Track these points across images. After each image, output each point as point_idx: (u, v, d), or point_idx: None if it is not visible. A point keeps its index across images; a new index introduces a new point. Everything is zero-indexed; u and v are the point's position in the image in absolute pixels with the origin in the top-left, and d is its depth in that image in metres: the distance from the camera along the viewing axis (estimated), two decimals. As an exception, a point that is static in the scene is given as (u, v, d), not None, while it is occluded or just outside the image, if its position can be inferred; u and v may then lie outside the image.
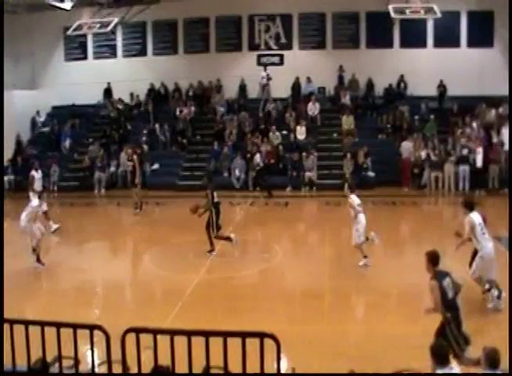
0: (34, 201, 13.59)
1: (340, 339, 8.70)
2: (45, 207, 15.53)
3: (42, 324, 5.42)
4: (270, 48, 25.85)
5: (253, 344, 5.16)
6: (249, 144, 23.18)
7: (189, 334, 5.28)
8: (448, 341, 7.00)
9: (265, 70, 24.74)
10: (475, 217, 9.70)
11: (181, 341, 5.28)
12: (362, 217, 12.45)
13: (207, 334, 5.27)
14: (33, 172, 17.37)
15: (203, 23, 26.34)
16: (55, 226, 16.37)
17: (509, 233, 12.60)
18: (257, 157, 22.20)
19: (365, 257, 12.44)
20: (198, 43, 26.48)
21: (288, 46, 25.85)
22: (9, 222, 16.09)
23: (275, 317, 9.57)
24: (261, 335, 5.17)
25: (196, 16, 26.06)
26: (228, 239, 13.81)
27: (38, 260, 12.98)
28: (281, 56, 25.49)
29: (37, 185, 16.91)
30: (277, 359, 5.24)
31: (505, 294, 9.55)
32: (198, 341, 5.22)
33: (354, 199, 12.56)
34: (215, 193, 13.83)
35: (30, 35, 27.15)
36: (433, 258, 7.42)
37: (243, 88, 26.04)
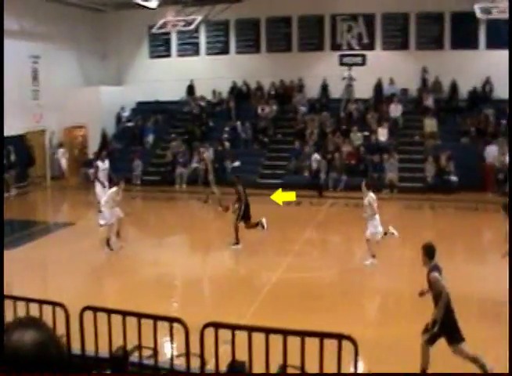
0: (113, 188, 14.68)
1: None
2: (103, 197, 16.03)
3: (124, 314, 5.54)
4: (352, 48, 25.52)
5: (330, 345, 5.11)
6: (330, 144, 23.02)
7: (267, 331, 5.28)
8: (442, 333, 7.18)
9: (349, 70, 24.46)
10: None
11: (258, 338, 5.28)
12: (375, 218, 12.69)
13: (285, 333, 5.25)
14: (98, 162, 17.87)
15: (286, 23, 26.28)
16: (101, 222, 16.56)
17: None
18: (314, 157, 22.03)
19: (373, 256, 12.58)
20: (280, 42, 26.47)
21: (370, 46, 25.45)
22: (95, 211, 16.84)
23: (353, 319, 9.44)
24: (339, 337, 5.11)
25: (278, 15, 26.06)
26: (257, 225, 14.22)
27: (108, 244, 13.97)
28: (363, 57, 25.11)
29: (102, 174, 17.40)
30: (354, 361, 5.18)
31: None
32: (275, 339, 5.20)
33: (372, 196, 12.77)
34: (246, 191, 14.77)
35: (116, 33, 27.84)
36: (429, 252, 7.56)
37: (324, 88, 25.85)
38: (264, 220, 14.22)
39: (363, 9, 25.02)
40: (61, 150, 24.84)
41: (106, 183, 16.99)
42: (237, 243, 14.04)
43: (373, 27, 25.27)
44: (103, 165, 17.75)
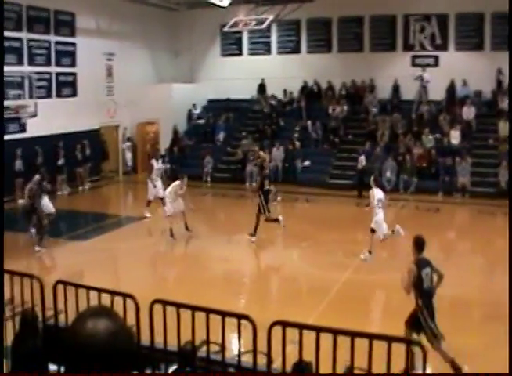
0: (176, 182, 15.50)
1: (490, 353, 8.26)
2: (161, 193, 17.06)
3: (193, 309, 5.58)
4: (425, 49, 25.02)
5: (397, 348, 5.02)
6: (401, 146, 22.66)
7: (335, 332, 5.21)
8: (423, 329, 7.45)
9: (424, 71, 24.01)
10: None
11: (325, 339, 5.22)
12: (378, 211, 13.18)
13: (353, 335, 5.18)
14: (153, 161, 18.30)
15: (358, 22, 25.96)
16: (148, 215, 17.65)
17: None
18: (361, 159, 21.69)
19: (369, 252, 12.99)
20: (352, 42, 26.20)
21: (443, 47, 24.84)
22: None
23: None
24: (408, 342, 5.02)
25: (350, 14, 25.79)
26: (276, 221, 14.97)
27: (172, 234, 14.91)
28: (436, 58, 24.63)
29: (156, 173, 17.89)
30: (423, 367, 5.08)
31: None
32: (342, 341, 5.14)
33: (376, 192, 13.24)
34: (266, 182, 15.48)
35: (189, 31, 28.17)
36: (418, 244, 7.88)
37: (396, 89, 25.44)
38: (281, 218, 15.02)
39: (436, 9, 24.45)
40: (127, 144, 25.31)
41: (158, 183, 17.65)
42: (254, 235, 14.75)
43: (446, 28, 24.65)
44: (157, 165, 18.24)
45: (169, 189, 15.59)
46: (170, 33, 28.38)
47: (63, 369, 4.88)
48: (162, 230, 15.92)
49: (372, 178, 14.08)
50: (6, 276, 6.26)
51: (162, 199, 16.74)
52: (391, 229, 12.98)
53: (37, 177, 14.89)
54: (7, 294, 6.16)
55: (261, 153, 19.68)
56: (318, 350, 5.24)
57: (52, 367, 5.89)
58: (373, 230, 13.19)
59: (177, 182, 15.53)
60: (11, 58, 20.34)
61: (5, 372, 5.84)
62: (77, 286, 5.96)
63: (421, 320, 7.54)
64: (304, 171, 22.96)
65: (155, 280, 11.98)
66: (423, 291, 7.64)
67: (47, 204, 15.19)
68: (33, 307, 6.22)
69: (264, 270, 12.93)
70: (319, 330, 5.27)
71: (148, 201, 17.84)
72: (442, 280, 7.81)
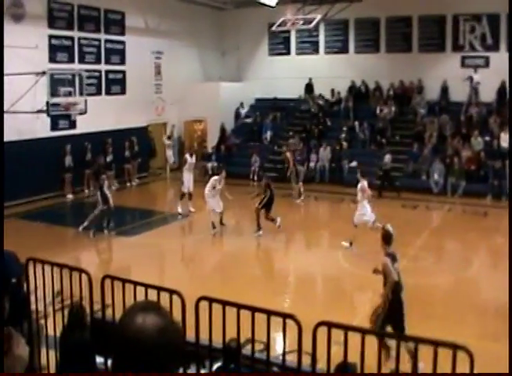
0: (214, 177, 16.43)
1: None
2: (190, 186, 18.01)
3: (239, 307, 5.58)
4: (475, 50, 24.57)
5: (442, 353, 4.94)
6: (449, 148, 22.31)
7: (381, 335, 5.17)
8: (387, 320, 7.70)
9: (475, 72, 23.60)
10: None
11: (371, 341, 5.17)
12: (366, 203, 13.97)
13: (399, 338, 5.12)
14: (187, 156, 18.87)
15: (406, 22, 25.65)
16: (192, 209, 18.13)
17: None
18: (387, 157, 21.37)
19: (350, 243, 13.66)
20: (400, 42, 25.90)
21: (494, 48, 24.35)
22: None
23: (465, 329, 9.12)
24: (454, 346, 4.93)
25: (398, 14, 25.49)
26: (273, 220, 15.69)
27: (214, 226, 15.69)
28: (486, 58, 24.17)
29: (189, 168, 18.40)
30: (470, 373, 4.98)
31: None
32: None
33: (363, 185, 14.04)
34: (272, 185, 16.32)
35: (236, 30, 28.29)
36: (386, 237, 8.19)
37: (445, 90, 25.06)
38: (279, 219, 15.73)
39: (487, 8, 23.89)
40: (168, 142, 25.51)
41: (189, 177, 18.22)
42: (259, 229, 15.48)
43: (497, 28, 24.10)
44: (191, 160, 18.60)
45: (208, 185, 16.11)
46: (218, 32, 28.56)
47: (109, 361, 4.94)
48: (207, 228, 16.05)
49: (359, 170, 15.16)
50: (56, 269, 6.36)
51: (190, 194, 17.85)
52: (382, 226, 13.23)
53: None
54: (57, 287, 6.25)
55: (287, 153, 20.04)
56: (363, 352, 5.18)
57: (99, 360, 5.98)
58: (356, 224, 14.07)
59: (215, 177, 16.21)
60: (62, 56, 20.78)
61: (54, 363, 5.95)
62: (124, 281, 6.01)
63: (384, 311, 7.85)
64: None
65: (200, 277, 12.06)
66: (397, 287, 7.92)
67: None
68: (81, 300, 6.31)
69: (308, 270, 12.88)
70: (364, 332, 5.22)
71: (181, 194, 18.21)
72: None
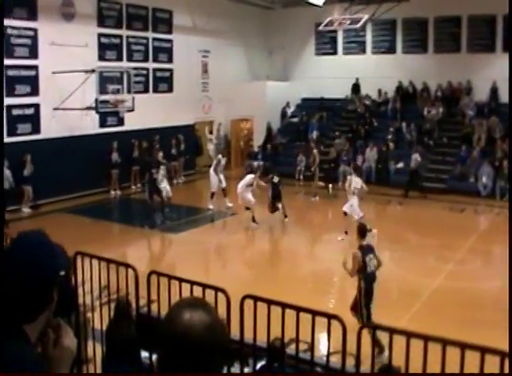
0: (251, 175, 17.07)
1: None
2: (223, 184, 18.54)
3: (283, 306, 5.57)
4: (526, 50, 24.01)
5: (490, 360, 4.84)
6: (498, 151, 21.86)
7: (426, 338, 5.08)
8: (360, 308, 8.33)
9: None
10: None
11: (416, 345, 5.10)
12: (353, 197, 14.82)
13: (444, 342, 5.02)
14: (220, 157, 19.32)
15: (455, 22, 25.17)
16: (229, 205, 18.43)
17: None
18: (414, 157, 20.99)
19: (345, 232, 14.18)
20: (448, 42, 25.45)
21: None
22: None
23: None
24: (502, 354, 4.82)
25: (447, 14, 25.05)
26: (275, 211, 16.61)
27: (254, 220, 16.26)
28: (538, 59, 23.59)
29: (221, 169, 18.87)
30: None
31: None
32: (433, 348, 5.00)
33: (355, 181, 14.79)
34: (275, 177, 17.04)
35: (283, 30, 28.24)
36: (361, 231, 8.87)
37: (494, 91, 24.55)
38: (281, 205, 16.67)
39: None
40: (210, 136, 25.58)
41: (222, 177, 18.61)
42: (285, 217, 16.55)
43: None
44: (223, 161, 19.07)
45: (242, 182, 16.69)
46: (264, 31, 28.56)
47: (154, 356, 4.98)
48: (252, 227, 16.12)
49: (352, 166, 16.07)
50: (103, 264, 6.45)
51: (224, 190, 18.47)
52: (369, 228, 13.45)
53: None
54: (103, 281, 6.35)
55: (314, 151, 20.92)
56: (408, 355, 5.12)
57: (144, 354, 6.04)
58: (345, 213, 14.78)
59: (251, 176, 16.76)
60: (111, 54, 21.06)
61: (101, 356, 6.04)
62: (170, 277, 6.06)
63: (359, 301, 8.47)
64: (397, 173, 22.54)
65: (245, 276, 12.10)
66: (366, 275, 8.48)
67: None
68: (127, 295, 6.38)
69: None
70: (409, 335, 5.15)
71: (212, 194, 18.46)
72: (381, 265, 8.79)
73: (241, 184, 16.76)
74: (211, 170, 18.70)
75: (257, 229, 16.13)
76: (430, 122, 24.06)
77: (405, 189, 20.58)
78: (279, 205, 16.68)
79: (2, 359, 1.97)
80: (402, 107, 25.23)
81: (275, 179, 17.02)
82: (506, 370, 4.81)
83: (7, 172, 16.92)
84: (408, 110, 25.10)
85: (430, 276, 11.87)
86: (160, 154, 19.19)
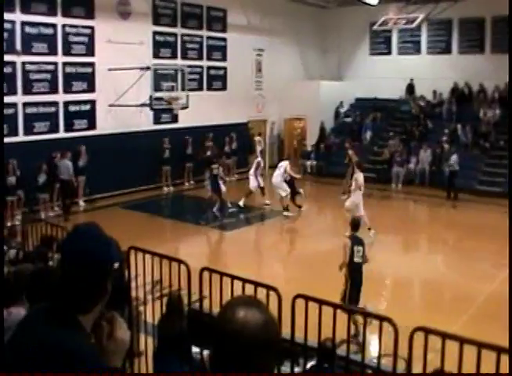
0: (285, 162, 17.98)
1: None
2: (261, 183, 18.77)
3: (335, 306, 5.55)
4: None
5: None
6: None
7: (480, 345, 4.98)
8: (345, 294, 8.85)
9: None
10: None
11: (469, 351, 5.01)
12: (357, 193, 15.30)
13: (499, 350, 4.92)
14: (260, 159, 19.54)
15: (512, 22, 24.67)
16: (267, 202, 18.69)
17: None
18: (453, 158, 20.51)
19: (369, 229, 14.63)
20: (506, 42, 24.79)
21: None
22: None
23: None
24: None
25: (505, 13, 24.23)
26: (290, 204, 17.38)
27: (286, 209, 17.14)
28: None
29: (261, 171, 19.23)
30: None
31: None
32: (488, 355, 4.89)
33: (359, 177, 15.39)
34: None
35: (337, 29, 28.08)
36: (353, 224, 9.55)
37: (553, 93, 23.92)
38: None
39: None
40: (257, 138, 25.60)
41: (260, 179, 18.86)
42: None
43: None
44: (262, 162, 19.51)
45: (277, 171, 17.52)
46: (319, 30, 28.44)
47: (205, 352, 5.01)
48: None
49: (355, 162, 16.76)
50: (156, 259, 6.53)
51: (262, 188, 18.73)
52: (368, 227, 14.61)
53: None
54: (156, 276, 6.43)
55: (349, 151, 20.84)
56: (461, 361, 5.03)
57: (195, 350, 6.10)
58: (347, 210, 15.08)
59: (286, 162, 17.93)
60: (166, 52, 21.32)
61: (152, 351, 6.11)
62: (222, 274, 6.10)
63: (346, 288, 9.02)
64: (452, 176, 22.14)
65: (296, 275, 12.08)
66: (353, 264, 9.10)
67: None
68: (179, 290, 6.45)
69: (406, 273, 12.66)
70: (462, 341, 5.06)
71: (249, 192, 18.76)
72: (367, 262, 9.43)
73: (276, 173, 17.59)
74: (251, 172, 18.87)
75: (292, 216, 16.97)
76: (486, 124, 23.57)
77: (447, 190, 20.30)
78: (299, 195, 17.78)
79: (60, 349, 2.02)
80: (458, 109, 24.78)
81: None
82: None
83: (69, 164, 17.34)
84: (463, 112, 24.64)
85: (484, 281, 11.64)
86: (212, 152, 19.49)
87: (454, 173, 20.58)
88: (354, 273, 9.07)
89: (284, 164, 17.85)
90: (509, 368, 5.47)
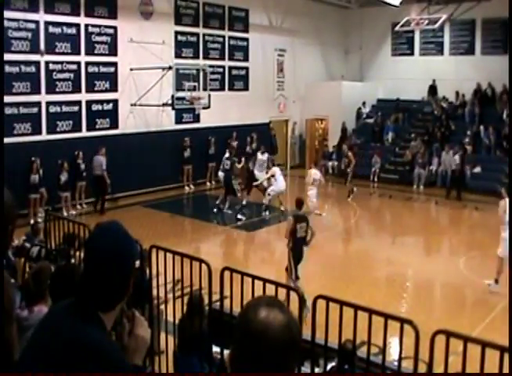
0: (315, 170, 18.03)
1: None
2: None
3: (356, 308, 5.52)
4: None
5: None
6: None
7: (502, 349, 4.93)
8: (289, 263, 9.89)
9: None
10: None
11: (492, 355, 4.96)
12: (312, 188, 16.95)
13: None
14: (275, 169, 19.10)
15: (538, 22, 24.36)
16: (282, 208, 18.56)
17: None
18: (456, 158, 20.30)
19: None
20: (531, 43, 24.65)
21: None
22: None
23: None
24: None
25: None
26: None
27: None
28: None
29: (259, 164, 19.11)
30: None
31: None
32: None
33: (314, 173, 17.05)
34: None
35: (359, 29, 28.10)
36: (297, 203, 10.72)
37: None
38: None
39: None
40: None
41: (261, 174, 18.64)
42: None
43: None
44: (261, 156, 19.31)
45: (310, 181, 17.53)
46: (341, 30, 28.42)
47: (225, 352, 5.00)
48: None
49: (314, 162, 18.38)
50: (177, 258, 6.54)
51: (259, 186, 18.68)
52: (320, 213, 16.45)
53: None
54: (177, 275, 6.43)
55: (349, 153, 20.90)
56: (482, 365, 4.99)
57: (215, 349, 6.10)
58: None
59: (316, 171, 17.80)
60: (188, 52, 21.41)
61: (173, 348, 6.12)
62: (243, 274, 6.09)
63: (288, 261, 9.96)
64: (474, 178, 21.96)
65: (317, 276, 12.06)
66: (295, 239, 10.02)
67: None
68: (200, 290, 6.46)
69: (428, 275, 12.58)
70: (484, 344, 5.02)
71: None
72: (314, 236, 10.40)
73: (313, 189, 17.40)
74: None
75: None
76: (509, 126, 23.33)
77: (447, 189, 20.28)
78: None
79: (81, 345, 2.03)
80: (481, 110, 24.57)
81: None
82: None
83: (102, 160, 17.76)
84: (486, 114, 24.44)
85: (506, 285, 11.50)
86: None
87: (455, 172, 20.69)
88: (295, 247, 10.03)
89: (317, 175, 17.63)
90: (509, 368, 5.42)
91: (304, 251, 10.13)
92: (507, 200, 12.02)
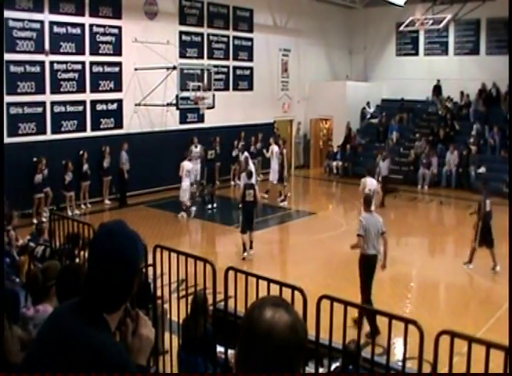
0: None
1: None
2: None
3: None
4: None
5: None
6: None
7: (507, 350, 4.92)
8: None
9: None
10: None
11: (497, 356, 4.95)
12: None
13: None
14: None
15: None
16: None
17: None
18: (384, 163, 20.35)
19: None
20: (536, 43, 24.59)
21: None
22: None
23: None
24: None
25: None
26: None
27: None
28: None
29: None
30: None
31: None
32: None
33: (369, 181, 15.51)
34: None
35: (364, 29, 28.12)
36: (247, 174, 14.45)
37: None
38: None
39: None
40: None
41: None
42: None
43: None
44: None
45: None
46: (345, 30, 28.42)
47: (230, 352, 4.99)
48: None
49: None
50: (181, 258, 6.55)
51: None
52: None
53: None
54: (181, 275, 6.43)
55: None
56: (487, 366, 4.98)
57: (219, 349, 6.10)
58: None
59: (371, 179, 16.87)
60: (192, 52, 21.43)
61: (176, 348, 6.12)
62: (247, 274, 6.09)
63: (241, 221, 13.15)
64: (478, 178, 21.89)
65: (322, 276, 12.07)
66: (243, 202, 13.46)
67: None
68: (205, 290, 6.46)
69: (433, 276, 12.57)
70: (489, 345, 5.00)
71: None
72: (259, 200, 13.79)
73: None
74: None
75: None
76: (509, 126, 23.28)
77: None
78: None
79: (85, 346, 2.03)
80: (485, 110, 24.53)
81: None
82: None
83: (125, 156, 18.23)
84: (491, 114, 24.41)
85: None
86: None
87: (385, 178, 20.21)
88: (245, 207, 13.48)
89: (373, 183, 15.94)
90: (509, 367, 5.41)
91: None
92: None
